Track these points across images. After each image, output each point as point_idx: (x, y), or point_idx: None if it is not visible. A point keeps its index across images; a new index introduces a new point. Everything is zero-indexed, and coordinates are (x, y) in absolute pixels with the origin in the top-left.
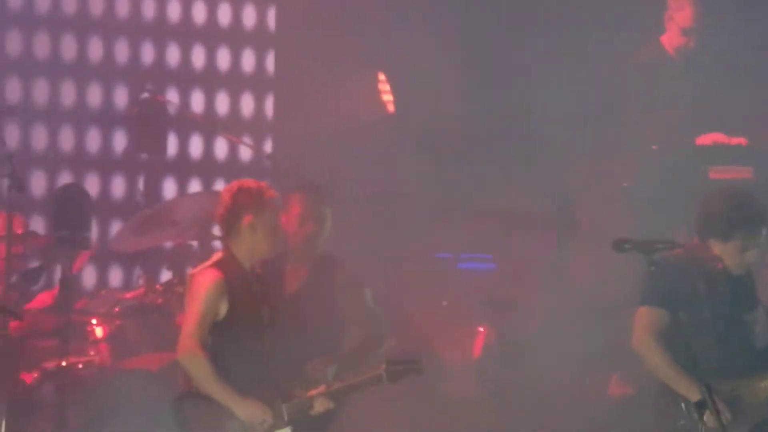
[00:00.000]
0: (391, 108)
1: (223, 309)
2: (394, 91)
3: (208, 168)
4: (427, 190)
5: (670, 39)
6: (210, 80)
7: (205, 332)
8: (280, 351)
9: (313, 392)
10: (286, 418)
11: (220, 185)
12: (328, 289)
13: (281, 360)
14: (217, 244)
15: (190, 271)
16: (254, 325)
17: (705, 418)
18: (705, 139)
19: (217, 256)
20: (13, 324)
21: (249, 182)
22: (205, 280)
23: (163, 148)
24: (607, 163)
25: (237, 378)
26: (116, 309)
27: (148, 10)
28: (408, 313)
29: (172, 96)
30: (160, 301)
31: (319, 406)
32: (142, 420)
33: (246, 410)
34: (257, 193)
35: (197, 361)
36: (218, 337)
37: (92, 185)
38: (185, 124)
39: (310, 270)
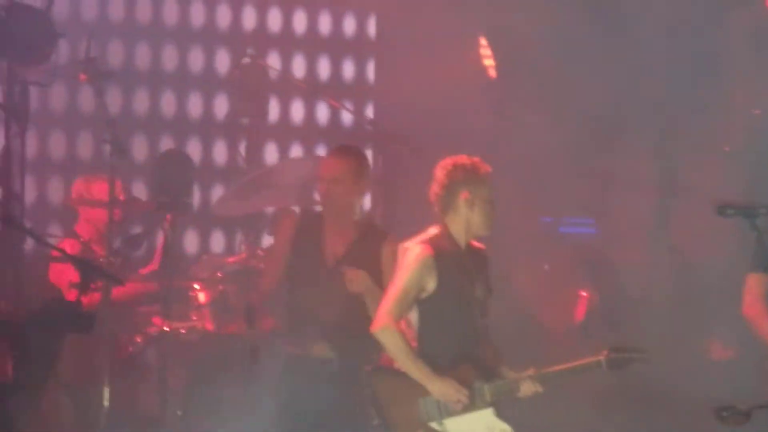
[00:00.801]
0: (492, 73)
1: (431, 285)
2: (496, 55)
3: (309, 133)
4: (528, 154)
5: None
6: (311, 45)
7: (404, 308)
8: (486, 330)
9: (523, 374)
10: (489, 399)
11: (321, 150)
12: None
13: (486, 340)
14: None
15: (403, 244)
16: (463, 303)
17: None
18: None
19: (432, 232)
20: (116, 289)
21: (462, 158)
22: (413, 256)
23: (265, 113)
24: (710, 127)
25: (439, 355)
26: (218, 274)
27: None
28: (511, 277)
29: (274, 61)
30: (261, 265)
31: (527, 389)
32: (244, 385)
33: (440, 388)
34: (472, 168)
35: (391, 336)
36: (425, 313)
37: (194, 150)
38: (286, 88)
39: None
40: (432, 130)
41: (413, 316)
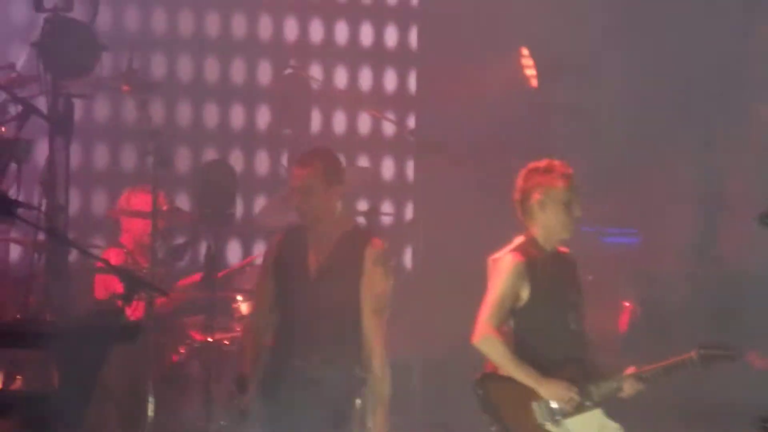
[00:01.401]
0: (534, 82)
1: (525, 293)
2: (538, 65)
3: (351, 143)
4: (570, 164)
5: None
6: (353, 56)
7: (501, 317)
8: (582, 334)
9: (626, 372)
10: (596, 399)
11: (363, 161)
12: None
13: (584, 343)
14: (361, 219)
15: (491, 256)
16: (557, 308)
17: None
18: None
19: (518, 240)
20: (160, 300)
21: (540, 162)
22: (505, 265)
23: (307, 124)
24: (755, 137)
25: (543, 359)
26: None
27: None
28: None
29: (316, 72)
30: None
31: (629, 388)
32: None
33: (550, 389)
34: (545, 170)
35: (493, 345)
36: (522, 320)
37: (236, 161)
38: (328, 99)
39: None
40: (473, 140)
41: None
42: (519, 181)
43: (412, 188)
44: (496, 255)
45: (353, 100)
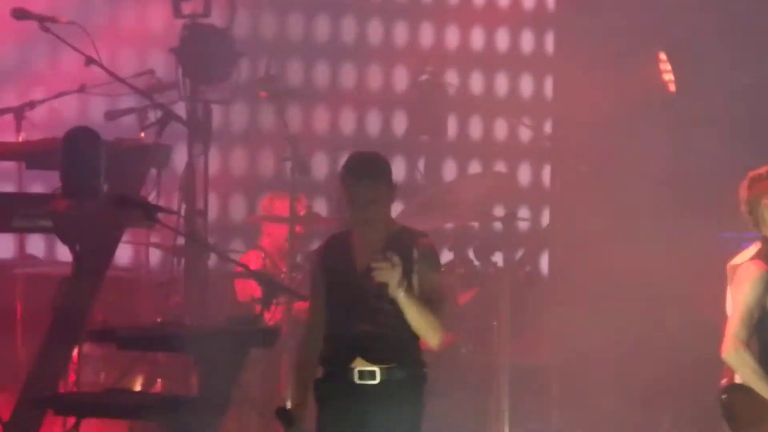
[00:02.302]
0: (672, 88)
1: None
2: (676, 70)
3: (487, 149)
4: (708, 169)
5: None
6: (489, 61)
7: (749, 329)
8: None
9: None
10: None
11: (500, 166)
12: None
13: None
14: (498, 225)
15: (729, 262)
16: None
17: None
18: None
19: (756, 247)
20: (298, 305)
21: (760, 169)
22: (749, 275)
23: (443, 130)
24: None
25: None
26: None
27: None
28: (691, 293)
29: (451, 78)
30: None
31: None
32: None
33: None
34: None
35: (742, 359)
36: (764, 333)
37: None
38: (465, 105)
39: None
40: (610, 145)
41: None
42: (742, 193)
43: (548, 194)
44: (734, 261)
45: (489, 106)
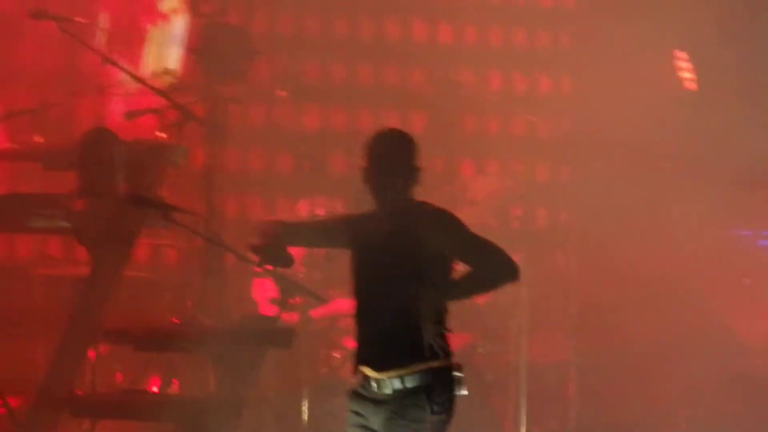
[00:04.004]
0: (691, 85)
1: None
2: (697, 66)
3: (504, 146)
4: (726, 167)
5: None
6: (506, 58)
7: None
8: None
9: None
10: None
11: (517, 164)
12: None
13: None
14: (516, 223)
15: None
16: None
17: None
18: None
19: None
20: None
21: None
22: None
23: (460, 128)
24: None
25: None
26: None
27: None
28: (706, 289)
29: (468, 75)
30: None
31: None
32: None
33: None
34: None
35: None
36: None
37: None
38: (482, 103)
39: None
40: (629, 141)
41: None
42: None
43: (566, 191)
44: None
45: (507, 104)
